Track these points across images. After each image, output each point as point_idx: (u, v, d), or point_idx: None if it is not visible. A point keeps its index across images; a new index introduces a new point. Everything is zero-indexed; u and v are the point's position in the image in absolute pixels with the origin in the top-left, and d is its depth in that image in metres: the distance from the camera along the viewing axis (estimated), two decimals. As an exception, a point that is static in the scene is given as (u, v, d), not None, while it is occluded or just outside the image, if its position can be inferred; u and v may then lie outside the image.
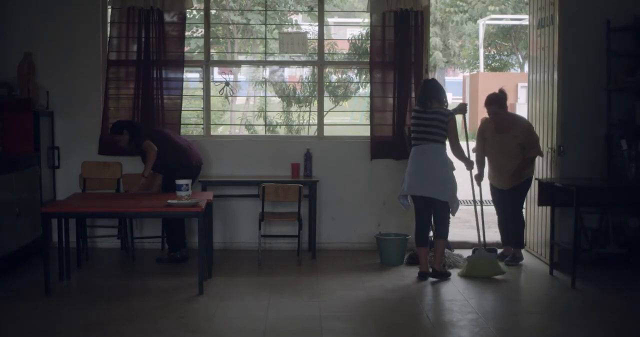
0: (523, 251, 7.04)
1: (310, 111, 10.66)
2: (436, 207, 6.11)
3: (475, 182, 6.65)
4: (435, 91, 6.10)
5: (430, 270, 6.20)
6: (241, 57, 14.90)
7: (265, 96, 9.94)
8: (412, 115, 6.21)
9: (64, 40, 7.11)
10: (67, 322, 4.93)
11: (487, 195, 6.88)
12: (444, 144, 6.06)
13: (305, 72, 12.80)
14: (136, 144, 6.50)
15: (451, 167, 6.10)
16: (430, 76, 7.25)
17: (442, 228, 6.18)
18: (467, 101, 21.03)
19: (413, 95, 7.12)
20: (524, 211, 7.10)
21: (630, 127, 6.62)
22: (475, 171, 6.61)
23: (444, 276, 6.16)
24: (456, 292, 5.79)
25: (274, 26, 13.29)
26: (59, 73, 7.11)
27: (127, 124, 6.62)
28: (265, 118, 10.47)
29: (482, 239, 6.52)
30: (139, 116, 7.03)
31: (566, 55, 6.48)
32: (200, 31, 9.75)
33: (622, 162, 6.46)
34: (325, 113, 7.58)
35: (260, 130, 11.07)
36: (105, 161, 6.98)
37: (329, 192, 7.26)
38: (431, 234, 6.89)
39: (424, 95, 6.12)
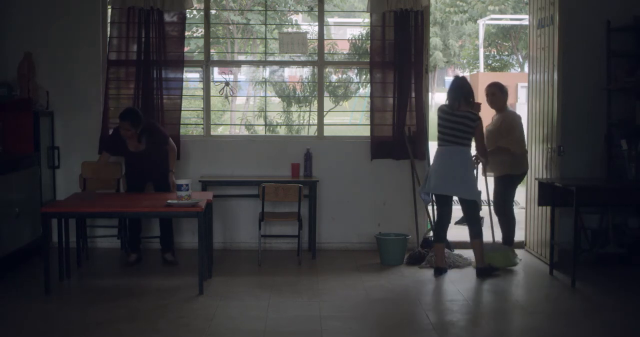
0: (523, 251, 7.06)
1: (310, 111, 10.66)
2: (465, 208, 6.22)
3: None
4: (463, 92, 6.14)
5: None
6: (241, 57, 14.90)
7: (265, 96, 9.95)
8: (439, 114, 6.23)
9: (64, 40, 7.11)
10: (67, 322, 4.93)
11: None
12: (470, 147, 6.14)
13: (305, 72, 12.80)
14: (159, 141, 6.48)
15: (474, 168, 6.25)
16: (430, 76, 7.27)
17: (476, 228, 6.25)
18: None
19: (413, 95, 7.12)
20: (524, 210, 7.11)
21: (630, 127, 6.63)
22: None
23: (491, 271, 6.22)
24: (456, 292, 5.79)
25: (274, 26, 13.28)
26: (59, 73, 7.11)
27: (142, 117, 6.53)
28: (265, 118, 10.48)
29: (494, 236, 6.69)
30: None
31: (566, 55, 6.48)
32: (200, 31, 9.75)
33: (622, 162, 6.46)
34: (325, 113, 7.58)
35: (260, 130, 11.07)
36: (105, 161, 6.98)
37: (329, 192, 7.26)
38: (430, 234, 6.94)
39: (453, 95, 6.16)
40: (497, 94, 6.70)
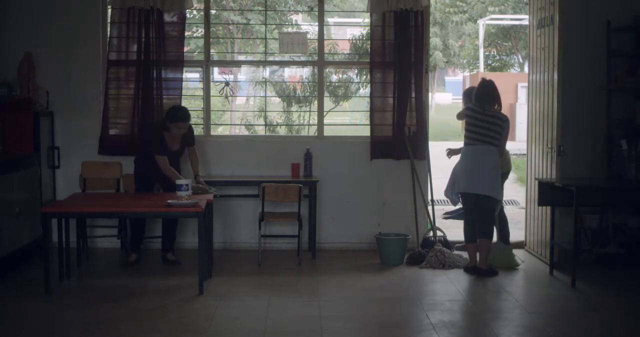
0: (523, 251, 7.08)
1: (310, 111, 10.66)
2: (482, 207, 6.25)
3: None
4: (494, 95, 6.27)
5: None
6: (241, 57, 14.90)
7: (265, 96, 9.95)
8: (467, 113, 6.33)
9: (64, 40, 7.11)
10: (67, 322, 4.93)
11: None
12: (497, 147, 6.21)
13: (305, 72, 12.79)
14: (191, 142, 6.56)
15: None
16: (430, 76, 7.32)
17: (488, 227, 6.28)
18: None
19: (413, 95, 7.12)
20: (524, 210, 7.09)
21: (630, 127, 6.62)
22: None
23: (490, 274, 6.23)
24: (456, 292, 5.79)
25: (274, 26, 13.28)
26: (59, 73, 7.11)
27: None
28: (265, 118, 10.47)
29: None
30: (139, 116, 7.03)
31: (566, 55, 6.48)
32: (200, 31, 9.75)
33: (622, 162, 6.46)
34: (325, 113, 7.58)
35: (261, 130, 11.07)
36: (105, 161, 6.98)
37: (329, 192, 7.26)
38: (430, 234, 6.94)
39: (483, 97, 6.27)
40: (463, 100, 7.07)
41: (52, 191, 7.05)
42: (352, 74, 11.25)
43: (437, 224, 7.01)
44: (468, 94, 6.97)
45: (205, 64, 7.38)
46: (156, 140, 6.36)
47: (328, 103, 9.46)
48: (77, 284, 6.05)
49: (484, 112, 6.22)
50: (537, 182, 6.65)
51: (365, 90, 9.32)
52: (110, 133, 7.12)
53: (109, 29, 7.15)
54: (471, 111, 6.30)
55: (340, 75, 11.75)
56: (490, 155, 6.19)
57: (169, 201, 5.62)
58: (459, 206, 6.73)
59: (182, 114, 6.35)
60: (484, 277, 6.15)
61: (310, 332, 4.75)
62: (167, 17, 7.07)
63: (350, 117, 14.97)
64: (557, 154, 6.46)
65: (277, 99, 12.25)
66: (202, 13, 7.50)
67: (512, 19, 22.76)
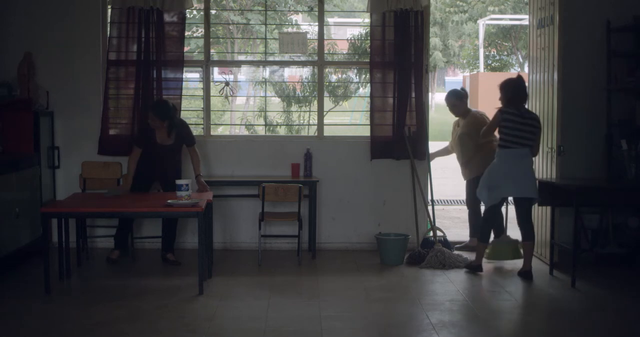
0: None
1: (310, 111, 10.66)
2: (525, 209, 6.25)
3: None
4: (526, 92, 6.28)
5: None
6: (241, 57, 14.91)
7: (265, 96, 9.94)
8: (504, 117, 6.14)
9: (64, 40, 7.11)
10: (67, 322, 4.93)
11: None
12: (530, 147, 6.20)
13: (305, 72, 12.80)
14: (187, 142, 6.54)
15: None
16: (430, 76, 7.33)
17: (532, 229, 6.29)
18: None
19: (413, 95, 7.12)
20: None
21: (630, 127, 6.63)
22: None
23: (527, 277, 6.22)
24: (456, 292, 5.79)
25: (274, 26, 13.29)
26: (59, 73, 7.11)
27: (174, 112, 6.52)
28: (265, 118, 10.47)
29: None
30: (139, 116, 7.03)
31: (566, 55, 6.48)
32: (200, 31, 9.75)
33: (622, 162, 6.46)
34: (325, 113, 7.58)
35: (260, 130, 11.07)
36: (105, 161, 6.97)
37: (329, 192, 7.26)
38: (430, 234, 6.95)
39: (520, 96, 6.20)
40: (457, 103, 7.10)
41: (52, 191, 7.05)
42: (352, 74, 11.26)
43: (437, 224, 7.01)
44: (458, 95, 7.10)
45: (205, 64, 7.38)
46: (140, 131, 6.49)
47: (328, 103, 9.46)
48: (77, 284, 6.05)
49: (521, 114, 6.14)
50: (537, 182, 6.64)
51: (365, 90, 9.33)
52: (110, 133, 7.12)
53: (108, 29, 7.14)
54: (510, 115, 6.12)
55: (340, 75, 11.76)
56: (528, 157, 6.17)
57: (169, 201, 5.63)
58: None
59: (152, 105, 6.45)
60: (529, 280, 6.14)
61: (310, 332, 4.75)
62: (167, 17, 7.07)
63: (350, 117, 14.98)
64: (557, 154, 6.46)
65: (277, 99, 12.26)
66: (202, 13, 7.50)
67: (512, 19, 22.75)
